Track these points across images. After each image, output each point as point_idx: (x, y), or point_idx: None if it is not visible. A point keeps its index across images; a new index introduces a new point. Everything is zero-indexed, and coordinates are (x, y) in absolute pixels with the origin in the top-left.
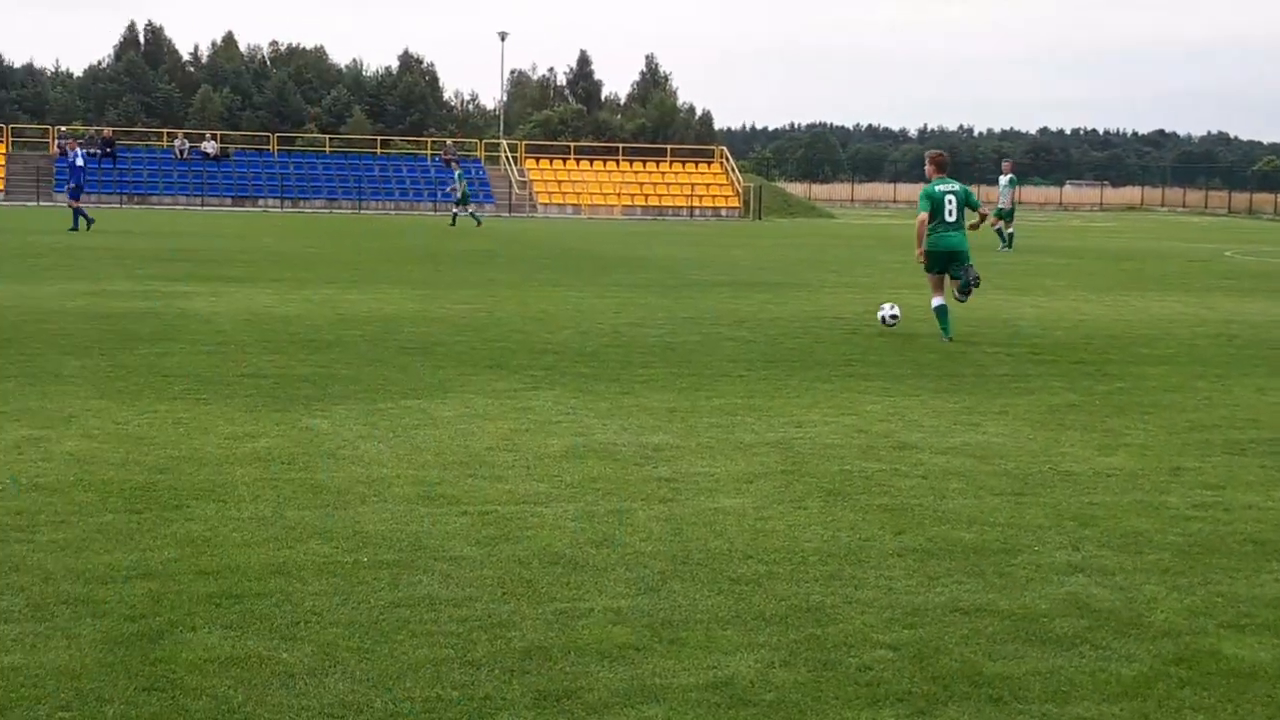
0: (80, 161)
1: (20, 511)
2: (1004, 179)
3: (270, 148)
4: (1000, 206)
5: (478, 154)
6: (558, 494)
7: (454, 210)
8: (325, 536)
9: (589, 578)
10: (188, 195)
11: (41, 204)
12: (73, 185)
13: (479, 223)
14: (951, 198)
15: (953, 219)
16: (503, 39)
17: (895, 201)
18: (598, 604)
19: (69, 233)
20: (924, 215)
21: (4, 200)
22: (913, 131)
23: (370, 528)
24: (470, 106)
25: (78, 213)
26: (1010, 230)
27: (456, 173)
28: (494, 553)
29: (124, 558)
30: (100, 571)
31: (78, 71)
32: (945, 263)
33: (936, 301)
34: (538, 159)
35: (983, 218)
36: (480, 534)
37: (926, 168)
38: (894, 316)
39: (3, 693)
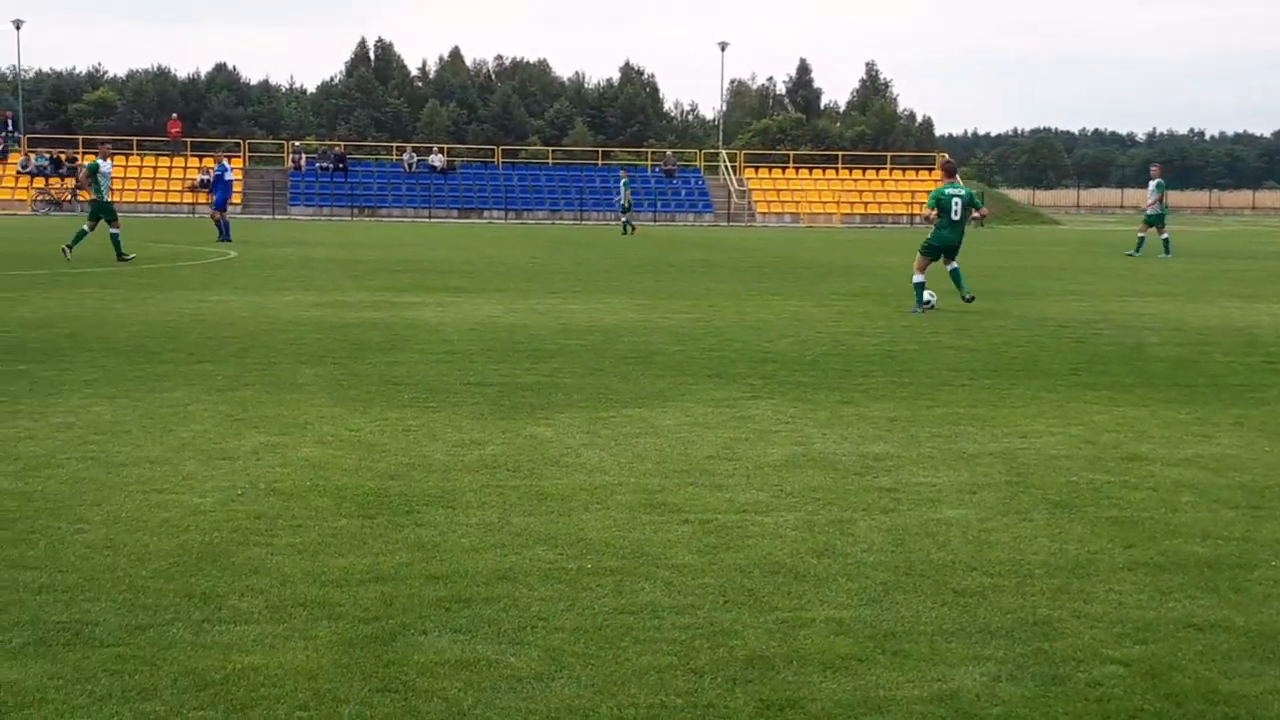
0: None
1: (259, 515)
2: (1152, 183)
3: (495, 160)
4: (1149, 211)
5: (697, 164)
6: (778, 503)
7: (623, 219)
8: (550, 543)
9: (810, 587)
10: (415, 207)
11: (276, 217)
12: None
13: (628, 231)
14: (957, 200)
15: (957, 218)
16: (723, 49)
17: (1122, 207)
18: (820, 614)
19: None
20: (933, 212)
21: (241, 213)
22: (1140, 135)
23: (593, 534)
24: (690, 117)
25: (223, 225)
26: (1165, 235)
27: (623, 180)
28: (715, 561)
29: (358, 561)
30: (335, 575)
31: (311, 88)
32: (939, 252)
33: (918, 278)
34: (756, 168)
35: (983, 216)
36: (701, 542)
37: (937, 174)
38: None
39: (244, 692)
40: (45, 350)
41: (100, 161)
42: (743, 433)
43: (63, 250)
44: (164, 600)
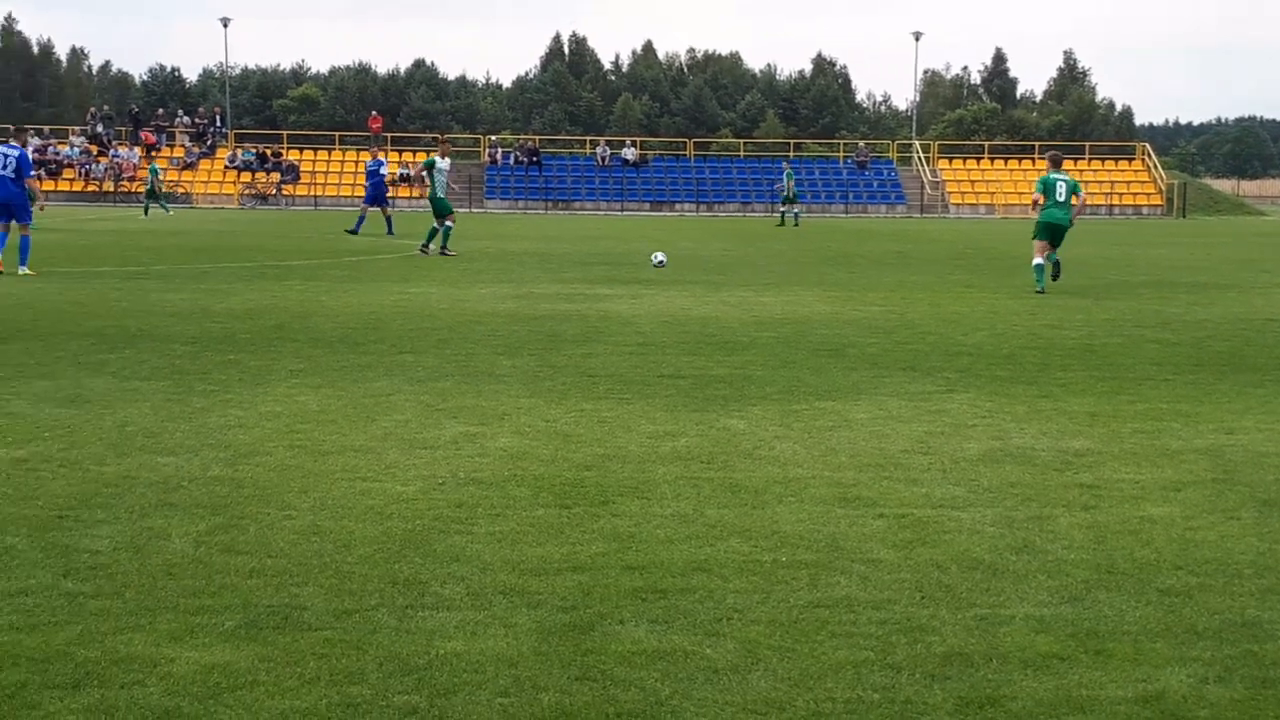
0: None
1: (460, 504)
2: None
3: (687, 153)
4: None
5: (890, 155)
6: (975, 499)
7: (781, 210)
8: (744, 535)
9: (1009, 584)
10: (608, 200)
11: (473, 210)
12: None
13: (784, 222)
14: (1061, 184)
15: (1061, 198)
16: (916, 39)
17: None
18: (1019, 611)
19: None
20: (1039, 195)
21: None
22: None
23: (788, 527)
24: (882, 108)
25: (360, 219)
26: None
27: (785, 171)
28: (911, 556)
29: (555, 551)
30: (534, 564)
31: (507, 83)
32: (1050, 231)
33: (1037, 261)
34: (950, 159)
35: (1082, 203)
36: (897, 537)
37: (1046, 164)
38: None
39: (446, 677)
40: (253, 340)
41: (438, 159)
42: (938, 427)
43: (420, 249)
44: (369, 586)
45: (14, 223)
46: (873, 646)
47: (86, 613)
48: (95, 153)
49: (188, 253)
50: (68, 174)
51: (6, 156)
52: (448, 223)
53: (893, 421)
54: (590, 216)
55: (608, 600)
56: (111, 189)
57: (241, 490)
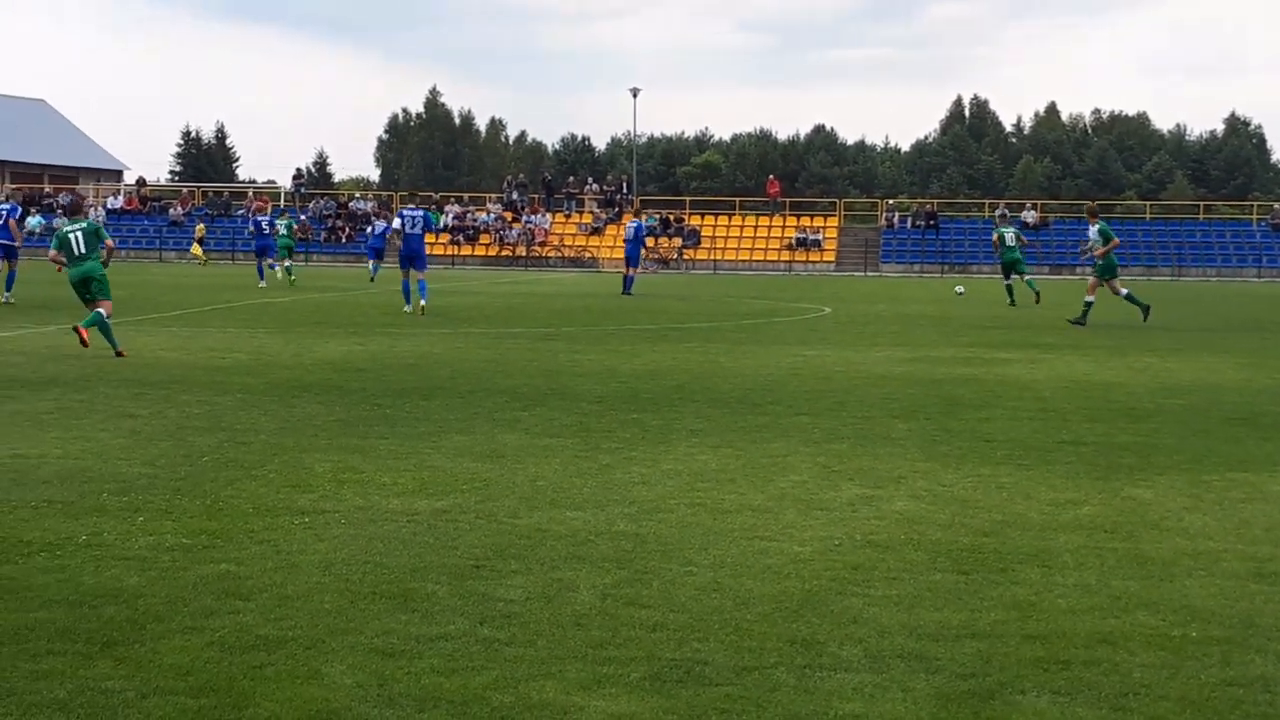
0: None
1: (857, 566)
2: None
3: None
4: None
5: None
6: None
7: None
8: (1152, 608)
9: None
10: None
11: (868, 274)
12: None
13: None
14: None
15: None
16: None
17: None
18: None
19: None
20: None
21: (834, 270)
22: None
23: (1198, 602)
24: None
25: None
26: None
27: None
28: None
29: (954, 616)
30: (932, 629)
31: (905, 146)
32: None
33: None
34: None
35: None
36: None
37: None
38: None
39: None
40: (655, 400)
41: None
42: None
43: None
44: (768, 644)
45: (413, 270)
46: None
47: (502, 659)
48: (510, 219)
49: (595, 315)
50: (484, 239)
51: (415, 217)
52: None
53: None
54: (987, 279)
55: (1008, 669)
56: (524, 253)
57: (645, 545)
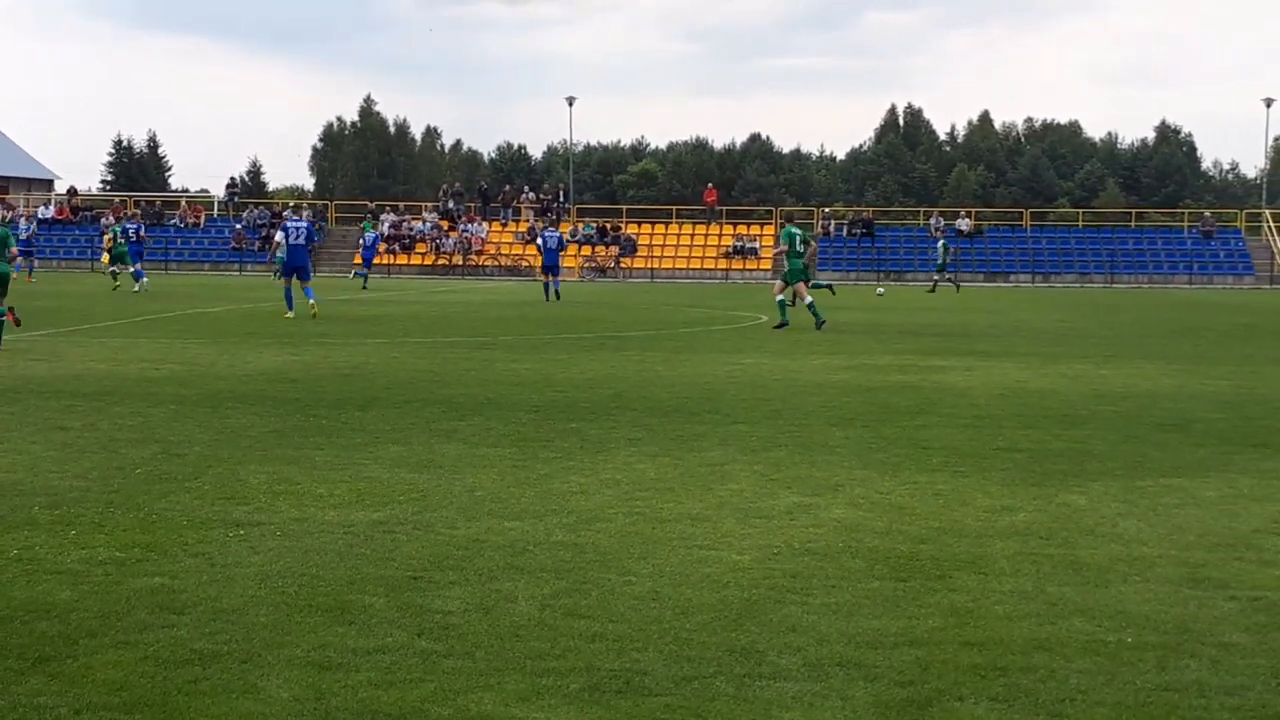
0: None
1: (795, 574)
2: None
3: (1023, 223)
4: None
5: (1237, 224)
6: None
7: (934, 278)
8: (1088, 614)
9: None
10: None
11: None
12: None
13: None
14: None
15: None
16: (1268, 106)
17: None
18: None
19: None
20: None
21: (771, 278)
22: None
23: (1133, 607)
24: (1230, 176)
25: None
26: None
27: (940, 242)
28: (1266, 641)
29: (891, 624)
30: (870, 636)
31: (841, 155)
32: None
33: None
34: None
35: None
36: (1250, 620)
37: None
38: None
39: None
40: (593, 409)
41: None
42: None
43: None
44: (707, 653)
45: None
46: None
47: (440, 671)
48: (446, 228)
49: (532, 324)
50: (420, 248)
51: (300, 228)
52: None
53: (1244, 500)
54: (923, 287)
55: (946, 676)
56: (461, 262)
57: (584, 555)
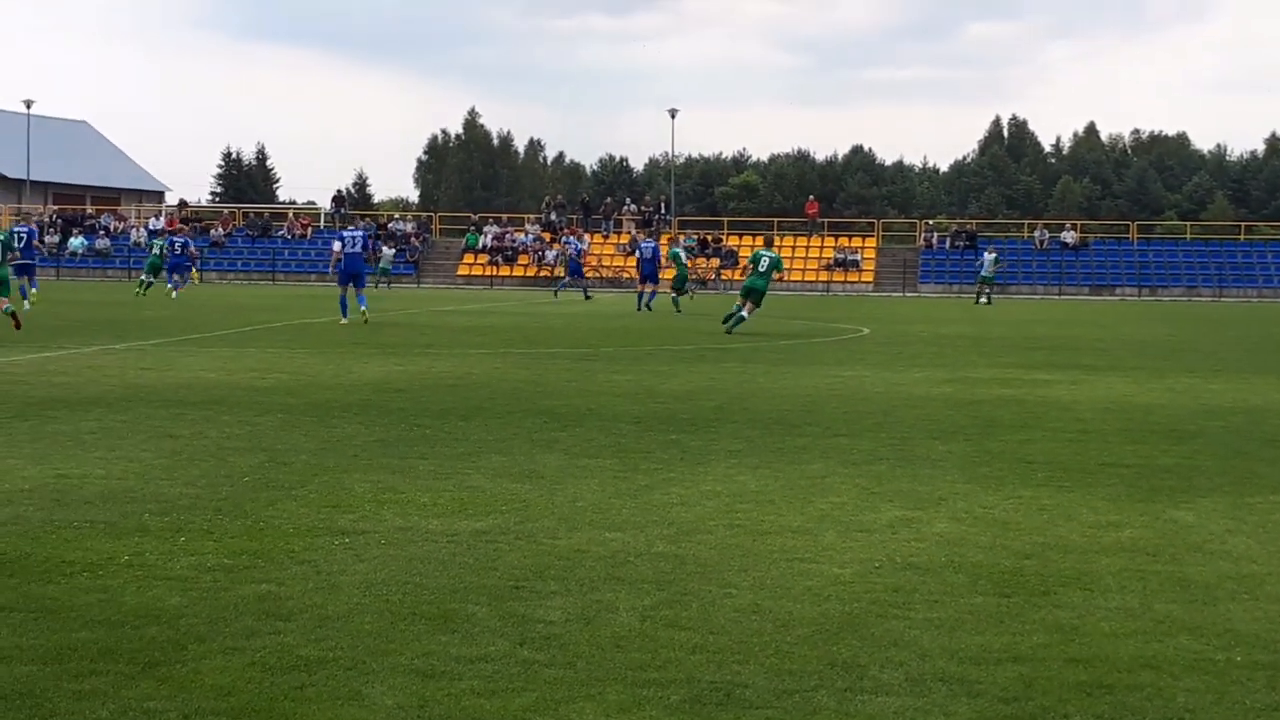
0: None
1: (897, 589)
2: None
3: (1129, 236)
4: None
5: None
6: None
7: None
8: (1195, 632)
9: None
10: (1045, 285)
11: (906, 294)
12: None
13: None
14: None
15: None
16: None
17: None
18: None
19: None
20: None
21: (873, 291)
22: None
23: (1242, 626)
24: None
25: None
26: None
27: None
28: None
29: (995, 640)
30: (973, 652)
31: (944, 167)
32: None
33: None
34: None
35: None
36: None
37: None
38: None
39: None
40: (694, 421)
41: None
42: None
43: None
44: (808, 667)
45: (353, 286)
46: None
47: (541, 681)
48: (548, 240)
49: (633, 335)
50: (522, 259)
51: (355, 237)
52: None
53: None
54: (1027, 300)
55: (1050, 693)
56: (563, 274)
57: (684, 567)
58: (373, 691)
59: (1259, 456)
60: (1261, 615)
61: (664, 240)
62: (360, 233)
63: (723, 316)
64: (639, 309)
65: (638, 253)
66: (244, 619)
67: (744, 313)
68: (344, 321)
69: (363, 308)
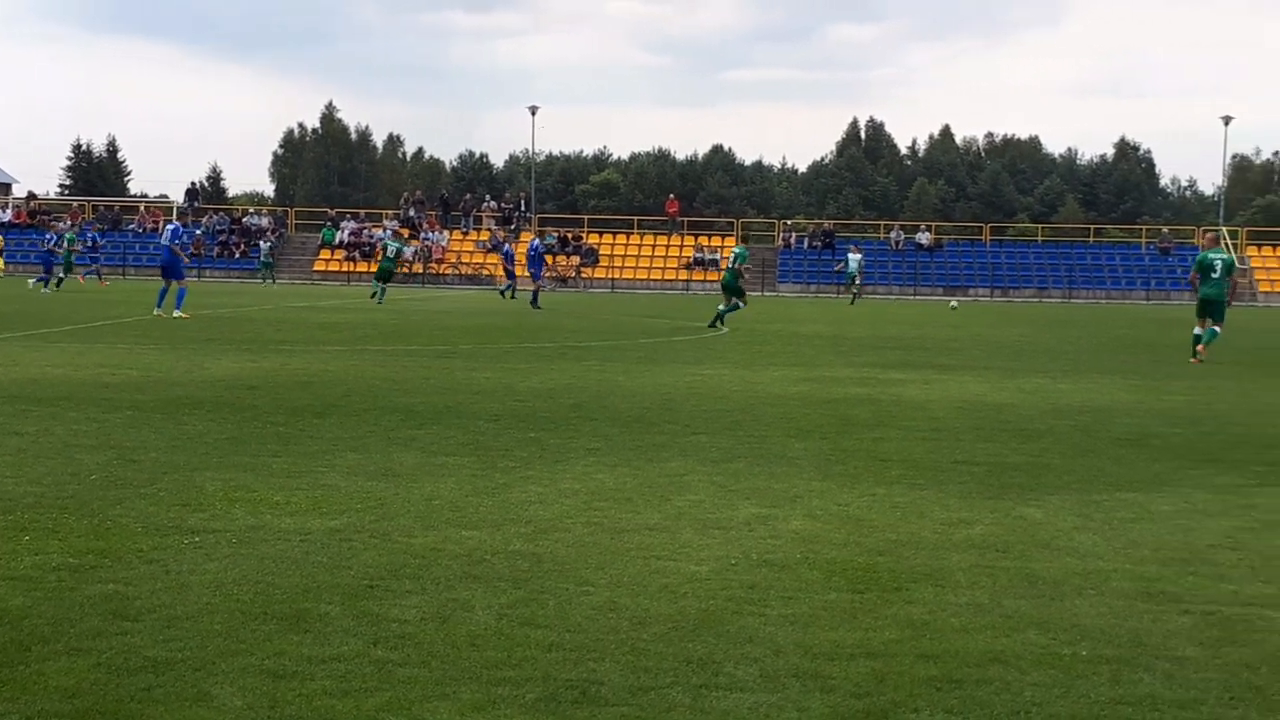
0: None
1: (753, 585)
2: None
3: (982, 238)
4: None
5: (1195, 241)
6: None
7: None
8: (1043, 627)
9: None
10: (900, 285)
11: (765, 294)
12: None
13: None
14: (1218, 262)
15: (1215, 278)
16: (1226, 124)
17: None
18: None
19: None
20: (1195, 274)
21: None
22: None
23: (1088, 621)
24: (1187, 193)
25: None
26: None
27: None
28: (1219, 655)
29: (848, 635)
30: (826, 648)
31: (802, 168)
32: (1205, 309)
33: (1196, 331)
34: (1260, 246)
35: (1235, 284)
36: (1204, 634)
37: (1202, 241)
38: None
39: None
40: (553, 419)
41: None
42: (1246, 522)
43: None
44: (664, 664)
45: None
46: None
47: (395, 680)
48: (407, 236)
49: (492, 333)
50: (379, 255)
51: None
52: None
53: (1198, 515)
54: (883, 300)
55: (901, 688)
56: (421, 270)
57: (541, 565)
58: (222, 692)
59: (1106, 455)
60: (1107, 610)
61: (525, 238)
62: (172, 226)
63: (708, 321)
64: (503, 296)
65: (530, 249)
66: (90, 619)
67: (722, 306)
68: (156, 312)
69: (177, 307)
